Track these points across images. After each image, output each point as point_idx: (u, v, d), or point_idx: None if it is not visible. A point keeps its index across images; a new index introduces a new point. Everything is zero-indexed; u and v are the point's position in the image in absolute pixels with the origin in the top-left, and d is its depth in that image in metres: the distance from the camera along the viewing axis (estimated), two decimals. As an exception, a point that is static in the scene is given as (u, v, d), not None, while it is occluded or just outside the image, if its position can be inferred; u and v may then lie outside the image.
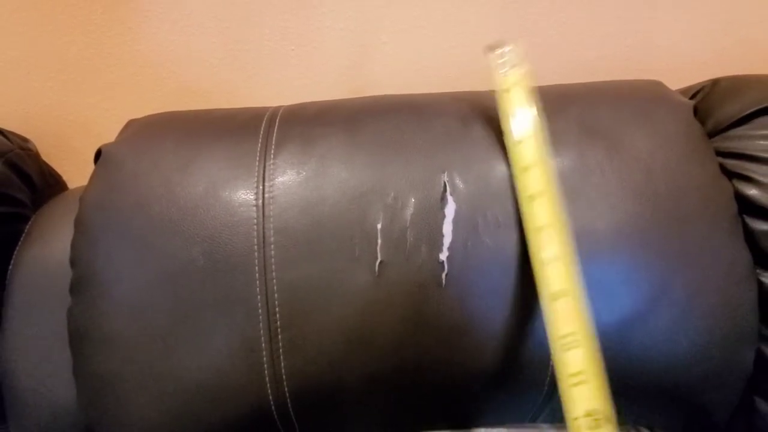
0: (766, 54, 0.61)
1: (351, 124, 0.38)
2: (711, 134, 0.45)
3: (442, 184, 0.34)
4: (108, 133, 0.50)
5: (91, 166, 0.46)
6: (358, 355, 0.34)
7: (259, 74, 0.58)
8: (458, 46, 0.59)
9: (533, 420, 0.39)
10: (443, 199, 0.34)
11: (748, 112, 0.42)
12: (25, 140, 0.61)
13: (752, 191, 0.40)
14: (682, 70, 0.57)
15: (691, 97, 0.48)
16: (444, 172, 0.34)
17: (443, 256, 0.33)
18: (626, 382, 0.37)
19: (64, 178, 0.63)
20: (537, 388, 0.36)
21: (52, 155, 0.62)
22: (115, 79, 0.60)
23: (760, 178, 0.40)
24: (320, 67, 0.59)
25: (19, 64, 0.59)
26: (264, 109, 0.42)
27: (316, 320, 0.34)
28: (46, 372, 0.45)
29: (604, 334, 0.34)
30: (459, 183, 0.34)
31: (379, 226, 0.34)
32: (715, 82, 0.47)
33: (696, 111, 0.43)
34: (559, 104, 0.40)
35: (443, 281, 0.33)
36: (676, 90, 0.50)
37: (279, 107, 0.43)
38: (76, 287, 0.38)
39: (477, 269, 0.34)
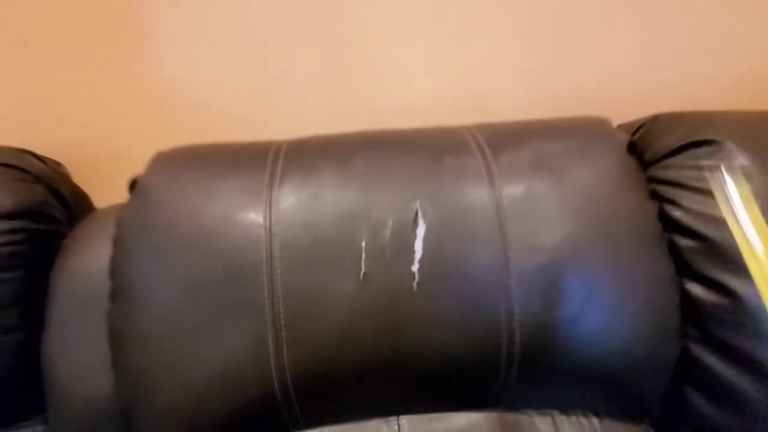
0: (714, 89, 0.69)
1: (343, 158, 0.46)
2: (649, 163, 0.53)
3: (415, 210, 0.42)
4: (131, 158, 0.58)
5: (116, 187, 0.54)
6: (347, 349, 0.42)
7: (268, 107, 0.66)
8: (446, 84, 0.67)
9: (495, 404, 0.47)
10: (415, 222, 0.42)
11: (678, 145, 0.50)
12: (59, 164, 0.69)
13: (677, 213, 0.48)
14: (636, 105, 0.64)
15: (636, 131, 0.56)
16: (417, 200, 0.42)
17: (414, 267, 0.41)
18: (570, 371, 0.44)
19: (91, 197, 0.71)
20: (494, 377, 0.43)
21: (81, 177, 0.70)
22: (138, 110, 0.68)
23: (684, 203, 0.48)
24: (323, 102, 0.67)
25: (54, 98, 0.68)
26: (270, 144, 0.50)
27: (313, 321, 0.42)
28: (83, 366, 0.52)
29: (547, 331, 0.42)
30: (428, 208, 0.42)
31: (363, 243, 0.42)
32: (655, 118, 0.55)
33: (635, 144, 0.51)
34: (516, 140, 0.48)
35: (415, 288, 0.41)
36: (628, 122, 0.58)
37: (284, 142, 0.51)
38: (115, 295, 0.46)
39: (442, 278, 0.41)
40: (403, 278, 0.41)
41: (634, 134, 0.55)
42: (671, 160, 0.50)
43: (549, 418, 0.49)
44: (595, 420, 0.50)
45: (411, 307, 0.41)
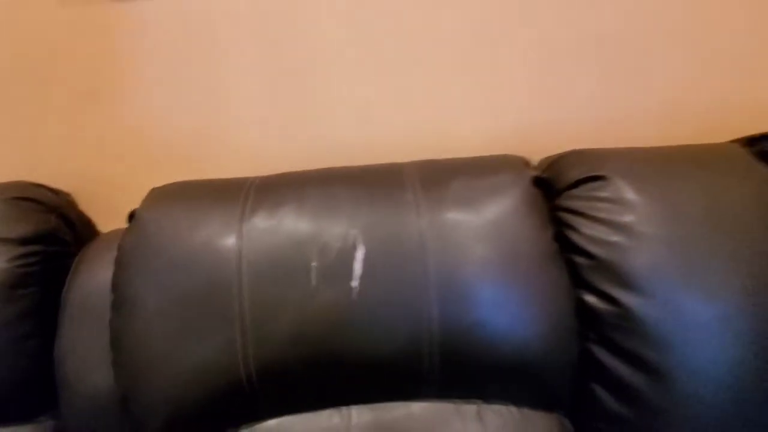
0: (635, 124, 0.80)
1: (300, 193, 0.58)
2: (558, 193, 0.63)
3: (355, 236, 0.53)
4: (129, 188, 0.69)
5: (117, 214, 0.65)
6: (301, 348, 0.52)
7: (241, 147, 0.77)
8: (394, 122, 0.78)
9: (428, 395, 0.57)
10: (355, 246, 0.52)
11: (576, 179, 0.61)
12: (68, 194, 0.80)
13: (575, 236, 0.59)
14: (564, 140, 0.75)
15: (550, 165, 0.67)
16: (357, 228, 0.53)
17: (354, 283, 0.51)
18: (484, 366, 0.55)
19: (96, 221, 0.82)
20: (420, 370, 0.53)
21: (88, 205, 0.81)
22: (135, 149, 0.79)
23: (581, 228, 0.59)
24: (282, 140, 0.77)
25: (64, 138, 0.79)
26: (245, 180, 0.61)
27: (273, 325, 0.52)
28: (89, 365, 0.62)
29: (461, 332, 0.52)
30: (366, 235, 0.53)
31: (313, 263, 0.52)
32: (564, 155, 0.66)
33: (542, 178, 0.62)
34: (442, 177, 0.59)
35: (354, 298, 0.51)
36: (548, 157, 0.69)
37: (255, 179, 0.62)
38: (115, 305, 0.56)
39: (377, 290, 0.52)
40: (345, 291, 0.52)
41: (547, 168, 0.66)
42: (572, 192, 0.61)
43: (474, 407, 0.59)
44: (513, 409, 0.60)
45: (351, 314, 0.52)
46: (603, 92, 0.77)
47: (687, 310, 0.56)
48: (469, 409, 0.59)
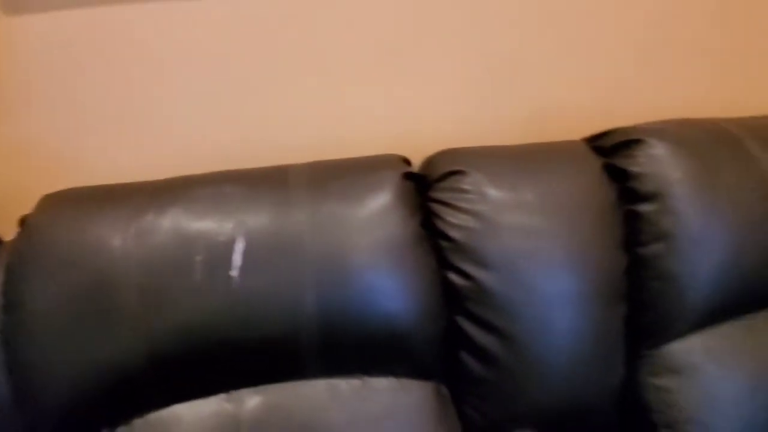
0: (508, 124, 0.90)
1: (189, 193, 0.62)
2: (429, 186, 0.71)
3: (235, 230, 0.58)
4: (29, 200, 0.70)
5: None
6: (188, 338, 0.57)
7: (134, 149, 0.80)
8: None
9: (312, 374, 0.63)
10: (234, 239, 0.58)
11: (443, 173, 0.70)
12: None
13: (440, 223, 0.67)
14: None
15: (426, 162, 0.75)
16: (239, 223, 0.59)
17: (234, 272, 0.57)
18: (364, 342, 0.62)
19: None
20: (300, 349, 0.60)
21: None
22: (30, 167, 0.80)
23: (444, 215, 0.67)
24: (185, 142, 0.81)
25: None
26: (137, 184, 0.65)
27: (162, 316, 0.57)
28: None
29: (339, 313, 0.59)
30: (247, 231, 0.59)
31: (198, 258, 0.57)
32: (437, 153, 0.75)
33: (414, 173, 0.70)
34: (325, 176, 0.66)
35: (235, 287, 0.57)
36: (431, 155, 0.77)
37: (148, 182, 0.66)
38: (6, 308, 0.59)
39: (256, 279, 0.58)
40: (225, 281, 0.57)
41: (424, 165, 0.75)
42: (439, 185, 0.70)
43: (359, 381, 0.65)
44: (393, 379, 0.66)
45: (232, 302, 0.57)
46: (477, 99, 0.87)
47: (532, 285, 0.65)
48: (354, 383, 0.65)
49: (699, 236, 0.68)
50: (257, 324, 0.58)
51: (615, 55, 0.88)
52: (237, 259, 0.57)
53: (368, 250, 0.61)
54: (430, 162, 0.75)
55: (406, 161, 0.74)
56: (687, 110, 0.86)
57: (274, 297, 0.58)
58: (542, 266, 0.66)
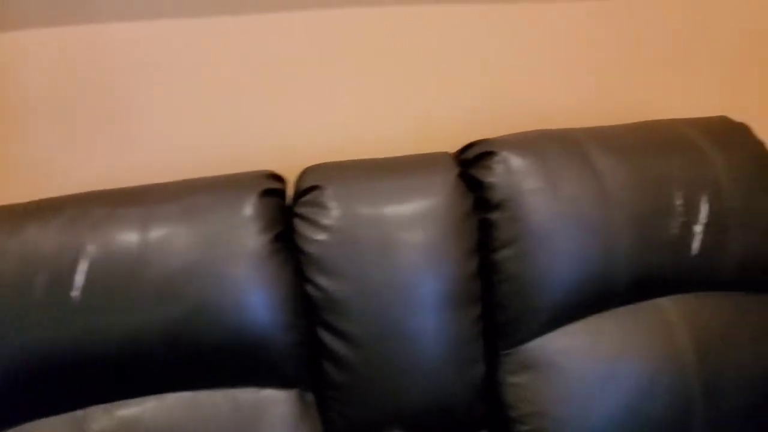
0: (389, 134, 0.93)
1: (51, 214, 0.63)
2: (295, 200, 0.74)
3: (78, 251, 0.60)
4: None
5: None
6: (31, 356, 0.58)
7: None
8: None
9: (162, 388, 0.64)
10: (78, 260, 0.60)
11: (304, 188, 0.73)
12: None
13: (296, 237, 0.70)
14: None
15: (299, 176, 0.77)
16: (83, 244, 0.61)
17: (75, 293, 0.59)
18: (216, 354, 0.64)
19: None
20: (145, 364, 0.62)
21: None
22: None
23: (300, 229, 0.70)
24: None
25: None
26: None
27: (2, 338, 0.58)
28: None
29: (184, 327, 0.62)
30: (91, 251, 0.61)
31: (38, 278, 0.59)
32: (307, 168, 0.77)
33: (275, 189, 0.72)
34: (179, 195, 0.67)
35: (77, 303, 0.59)
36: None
37: (23, 203, 0.67)
38: None
39: (98, 298, 0.60)
40: (68, 298, 0.59)
41: (297, 180, 0.77)
42: (301, 200, 0.73)
43: (220, 393, 0.67)
44: (257, 389, 0.69)
45: (73, 321, 0.59)
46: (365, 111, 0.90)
47: (385, 294, 0.69)
48: (216, 395, 0.67)
49: (544, 242, 0.73)
50: (99, 342, 0.60)
51: (502, 65, 0.92)
52: (79, 279, 0.59)
53: (212, 265, 0.64)
54: (299, 177, 0.77)
55: (276, 177, 0.76)
56: (569, 118, 0.92)
57: (116, 315, 0.60)
58: (395, 275, 0.69)
